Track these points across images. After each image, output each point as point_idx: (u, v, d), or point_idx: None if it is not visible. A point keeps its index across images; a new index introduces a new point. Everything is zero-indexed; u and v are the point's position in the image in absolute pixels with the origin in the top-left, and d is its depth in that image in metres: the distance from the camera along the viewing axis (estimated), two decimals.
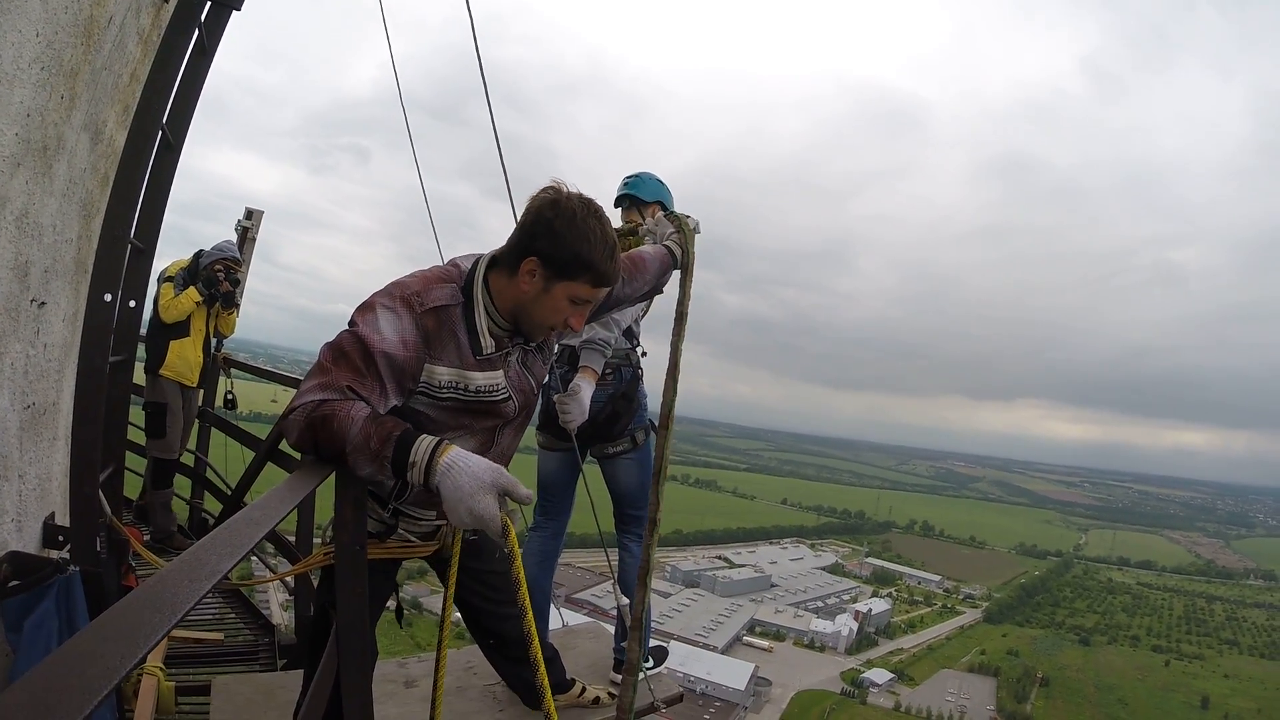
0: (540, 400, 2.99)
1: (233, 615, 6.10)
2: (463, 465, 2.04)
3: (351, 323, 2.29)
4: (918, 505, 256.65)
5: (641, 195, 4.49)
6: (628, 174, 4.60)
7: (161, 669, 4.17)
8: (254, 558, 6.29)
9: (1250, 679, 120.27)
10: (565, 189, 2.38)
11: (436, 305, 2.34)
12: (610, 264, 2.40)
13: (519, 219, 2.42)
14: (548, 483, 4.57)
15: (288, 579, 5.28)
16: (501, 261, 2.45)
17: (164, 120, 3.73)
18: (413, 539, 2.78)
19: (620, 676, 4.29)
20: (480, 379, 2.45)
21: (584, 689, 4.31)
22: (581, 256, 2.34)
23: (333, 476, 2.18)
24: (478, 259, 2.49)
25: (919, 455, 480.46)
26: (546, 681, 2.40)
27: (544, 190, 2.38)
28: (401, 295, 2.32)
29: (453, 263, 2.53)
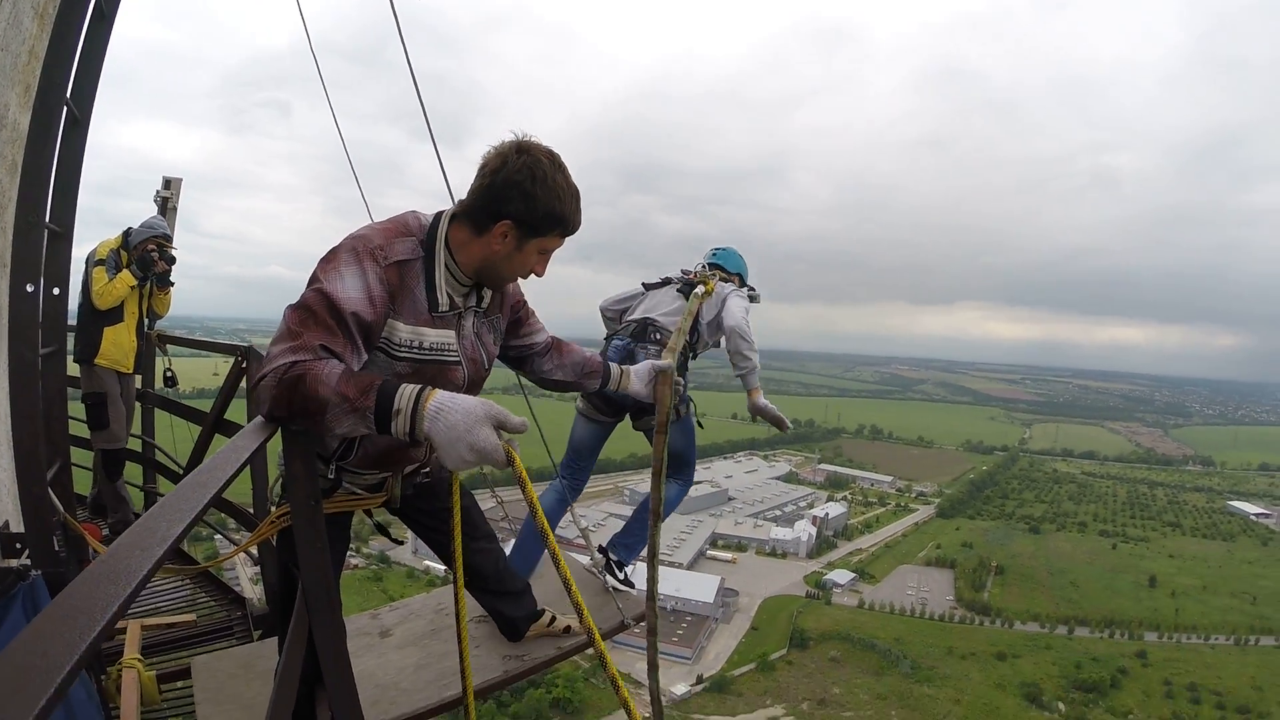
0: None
1: (204, 596, 6.03)
2: (451, 405, 2.02)
3: (314, 280, 2.23)
4: (865, 410, 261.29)
5: (727, 267, 5.22)
6: (717, 247, 5.32)
7: (140, 660, 4.21)
8: (219, 536, 7.86)
9: (1193, 558, 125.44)
10: (529, 143, 2.35)
11: (400, 259, 2.35)
12: (579, 213, 2.46)
13: (482, 176, 2.37)
14: (580, 447, 5.07)
15: (251, 550, 5.29)
16: (465, 219, 2.44)
17: (68, 95, 3.58)
18: (359, 491, 2.80)
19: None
20: (433, 335, 2.46)
21: (554, 618, 4.40)
22: (555, 213, 2.39)
23: (279, 436, 2.16)
24: (439, 214, 2.49)
25: (863, 362, 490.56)
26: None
27: (507, 147, 2.35)
28: (366, 249, 2.29)
29: (412, 214, 2.51)
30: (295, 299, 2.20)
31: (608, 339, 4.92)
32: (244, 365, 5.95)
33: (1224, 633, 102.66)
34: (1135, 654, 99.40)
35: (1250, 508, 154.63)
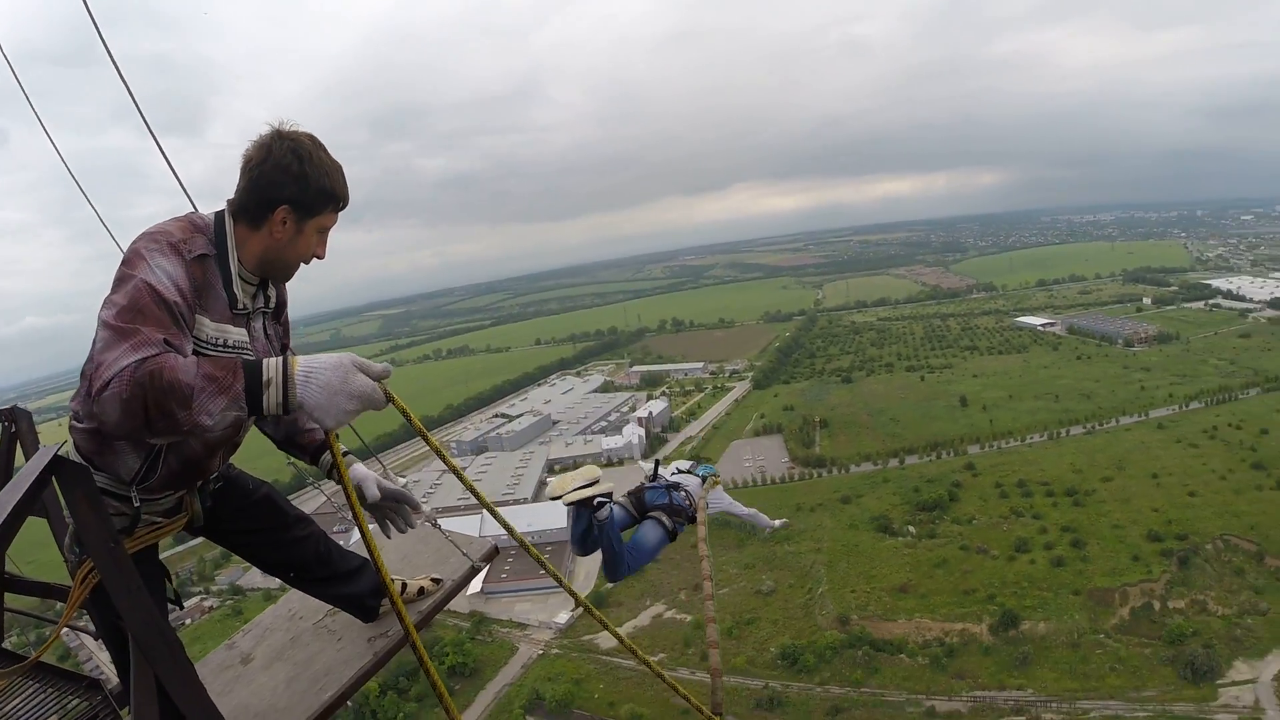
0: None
1: (55, 694, 4.76)
2: (317, 364, 2.04)
3: (125, 279, 2.15)
4: (663, 306, 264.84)
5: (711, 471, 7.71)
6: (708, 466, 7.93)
7: None
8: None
9: (995, 374, 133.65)
10: (286, 129, 2.37)
11: (201, 254, 2.31)
12: (346, 186, 2.53)
13: (249, 170, 2.38)
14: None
15: (73, 623, 3.60)
16: (241, 215, 2.43)
17: None
18: (159, 520, 2.73)
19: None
20: (235, 333, 2.44)
21: (405, 585, 4.35)
22: (326, 189, 2.44)
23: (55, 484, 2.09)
24: (219, 213, 2.46)
25: (652, 260, 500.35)
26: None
27: (266, 137, 2.36)
28: (169, 243, 2.24)
29: (194, 214, 2.48)
30: (105, 304, 2.09)
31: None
32: (13, 430, 4.68)
33: (1037, 431, 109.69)
34: (964, 467, 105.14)
35: (1035, 320, 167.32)
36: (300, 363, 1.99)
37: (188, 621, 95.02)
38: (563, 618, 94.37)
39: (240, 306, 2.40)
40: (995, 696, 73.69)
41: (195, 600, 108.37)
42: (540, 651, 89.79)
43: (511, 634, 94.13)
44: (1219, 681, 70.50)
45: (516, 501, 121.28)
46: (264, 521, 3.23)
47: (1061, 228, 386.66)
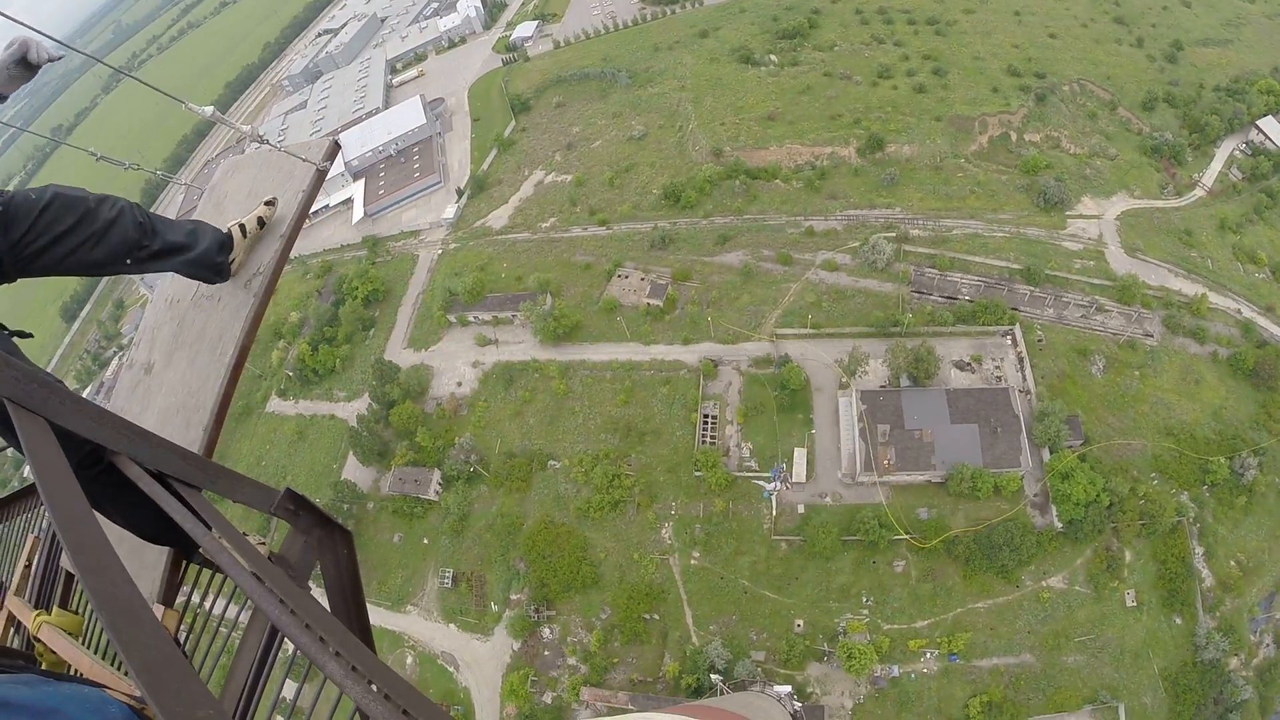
0: None
1: None
2: None
3: None
4: None
5: None
6: None
7: None
8: None
9: None
10: None
11: None
12: None
13: None
14: None
15: None
16: None
17: None
18: None
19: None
20: None
21: (242, 226, 4.55)
22: None
23: None
24: None
25: None
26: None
27: None
28: None
29: None
30: None
31: None
32: None
33: None
34: None
35: None
36: None
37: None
38: (450, 211, 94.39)
39: None
40: (866, 214, 77.58)
41: (114, 360, 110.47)
42: (440, 251, 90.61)
43: (408, 244, 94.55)
44: (1068, 213, 76.68)
45: (370, 114, 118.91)
46: (67, 221, 3.12)
47: None
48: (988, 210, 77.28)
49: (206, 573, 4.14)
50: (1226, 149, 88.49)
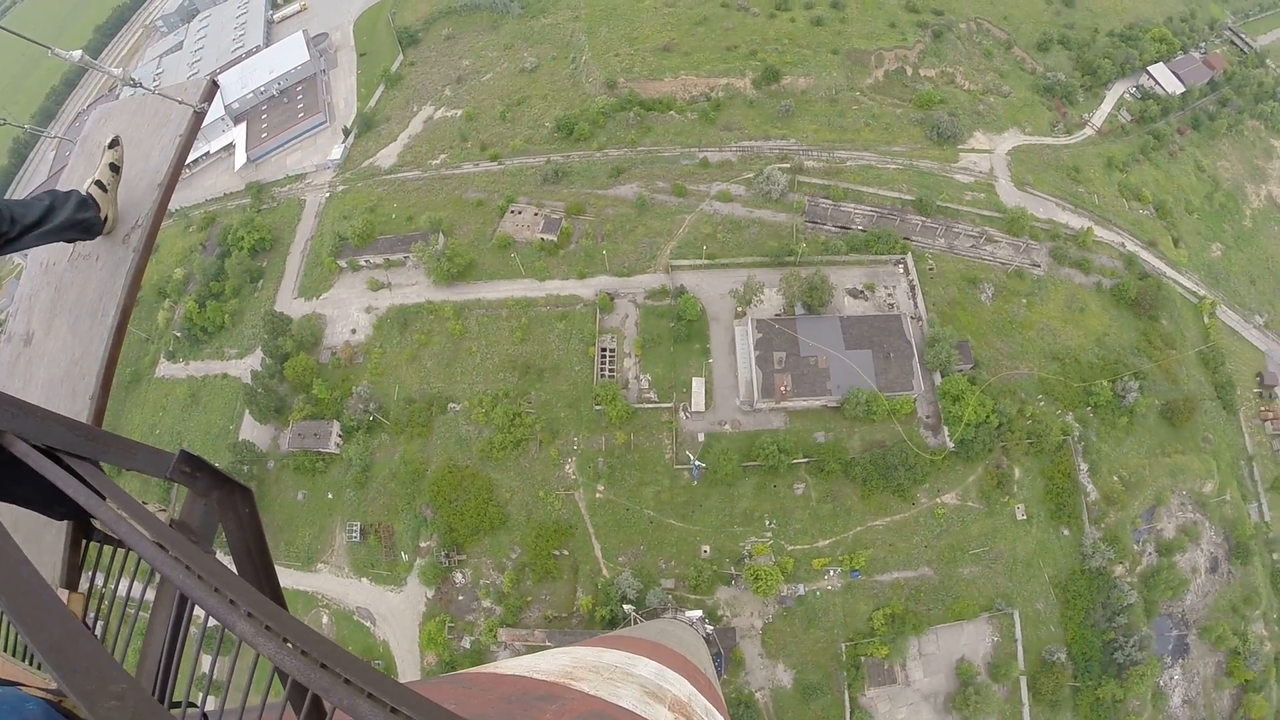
0: None
1: None
2: None
3: None
4: None
5: None
6: None
7: None
8: None
9: None
10: None
11: None
12: None
13: None
14: None
15: None
16: None
17: None
18: None
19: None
20: None
21: (99, 182, 4.41)
22: None
23: None
24: None
25: None
26: None
27: None
28: None
29: None
30: None
31: None
32: None
33: None
34: None
35: None
36: None
37: None
38: (337, 153, 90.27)
39: None
40: (761, 146, 76.59)
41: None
42: (328, 194, 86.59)
43: (293, 189, 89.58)
44: (961, 147, 77.17)
45: (250, 53, 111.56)
46: None
47: None
48: (882, 143, 77.42)
49: (109, 551, 4.05)
50: (1117, 92, 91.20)
